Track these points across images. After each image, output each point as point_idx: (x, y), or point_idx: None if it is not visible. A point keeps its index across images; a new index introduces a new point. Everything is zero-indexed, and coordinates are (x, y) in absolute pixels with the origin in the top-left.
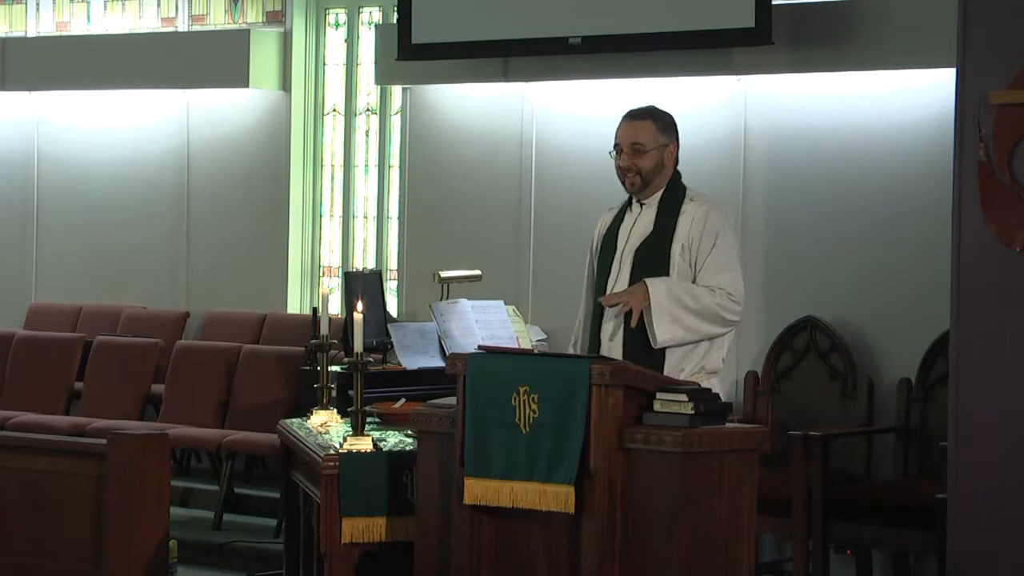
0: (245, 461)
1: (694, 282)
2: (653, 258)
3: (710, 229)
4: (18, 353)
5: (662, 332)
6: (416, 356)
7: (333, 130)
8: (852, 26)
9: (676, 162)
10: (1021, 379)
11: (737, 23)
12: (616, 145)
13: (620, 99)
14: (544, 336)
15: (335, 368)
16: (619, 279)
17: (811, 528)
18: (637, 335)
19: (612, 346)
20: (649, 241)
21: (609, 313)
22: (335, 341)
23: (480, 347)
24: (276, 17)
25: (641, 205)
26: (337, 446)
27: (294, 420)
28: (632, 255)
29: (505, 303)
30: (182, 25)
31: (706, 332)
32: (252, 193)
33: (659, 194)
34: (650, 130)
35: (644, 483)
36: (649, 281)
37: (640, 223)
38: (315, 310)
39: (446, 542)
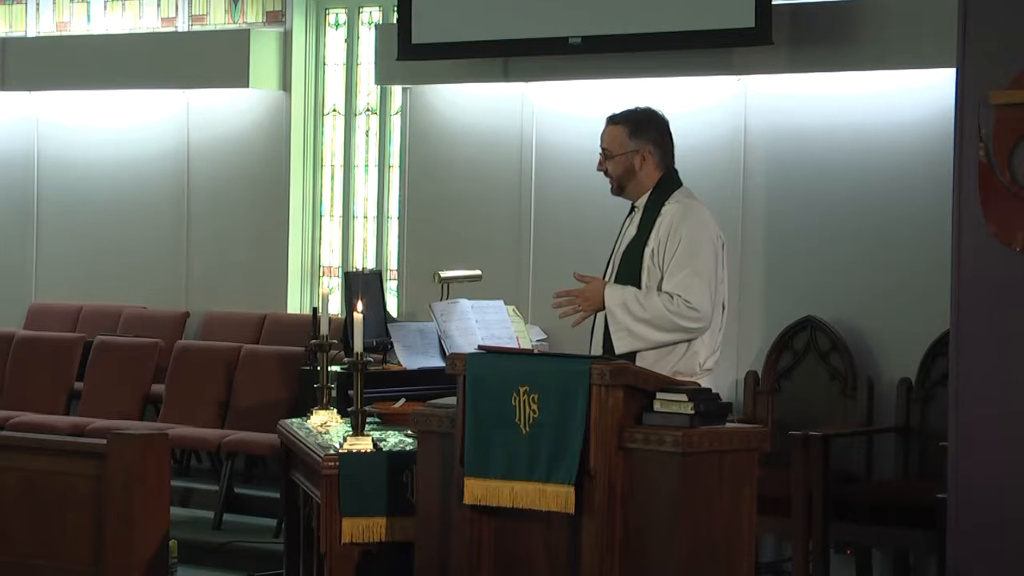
0: (245, 461)
1: (660, 285)
2: (632, 262)
3: (676, 230)
4: (18, 353)
5: (618, 345)
6: (416, 356)
7: (333, 130)
8: (852, 26)
9: (661, 165)
10: (1021, 379)
11: (737, 23)
12: None
13: (620, 99)
14: (544, 336)
15: (335, 368)
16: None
17: (811, 528)
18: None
19: (595, 342)
20: (631, 245)
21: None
22: (335, 341)
23: (480, 347)
24: (276, 17)
25: (635, 208)
26: (337, 446)
27: (294, 420)
28: (619, 258)
29: (505, 303)
30: (182, 25)
31: (663, 341)
32: (252, 193)
33: (646, 196)
34: (618, 135)
35: (644, 483)
36: (608, 288)
37: (631, 226)
38: (315, 310)
39: (446, 542)
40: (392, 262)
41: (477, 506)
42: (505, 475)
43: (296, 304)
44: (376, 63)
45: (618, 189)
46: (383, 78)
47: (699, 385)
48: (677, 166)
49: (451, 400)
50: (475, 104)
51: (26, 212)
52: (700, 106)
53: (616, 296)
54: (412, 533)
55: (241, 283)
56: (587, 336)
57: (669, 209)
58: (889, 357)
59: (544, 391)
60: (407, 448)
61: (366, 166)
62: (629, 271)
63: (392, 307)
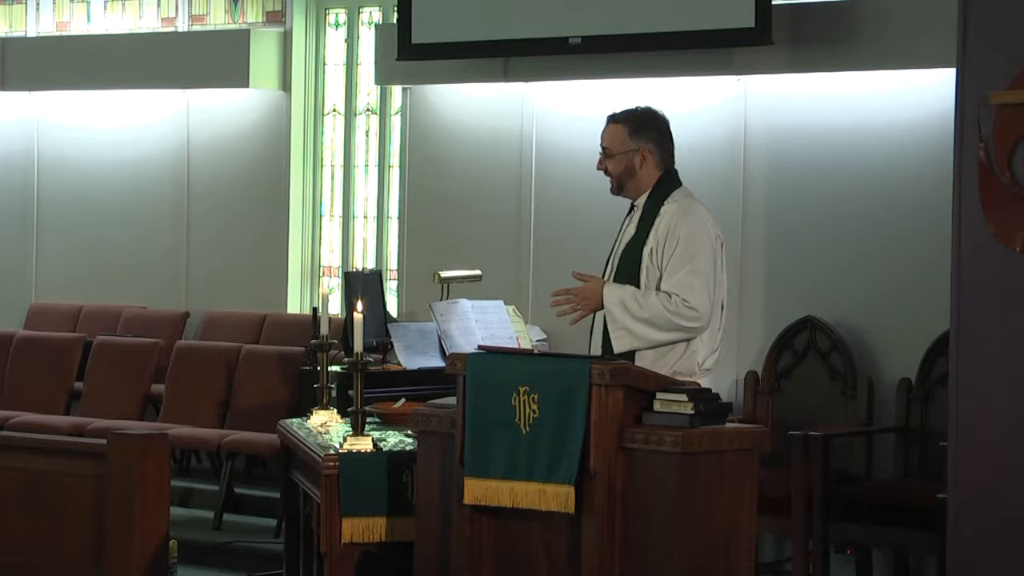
0: (245, 461)
1: (659, 285)
2: (630, 262)
3: (675, 230)
4: (18, 353)
5: (617, 344)
6: (416, 356)
7: (333, 130)
8: (852, 26)
9: (661, 165)
10: (1021, 379)
11: (737, 23)
12: None
13: (620, 99)
14: (544, 336)
15: (335, 368)
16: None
17: (811, 528)
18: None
19: (594, 342)
20: (630, 244)
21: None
22: (335, 341)
23: (480, 347)
24: (276, 17)
25: (634, 207)
26: (337, 446)
27: (294, 420)
28: (618, 257)
29: (505, 303)
30: (182, 25)
31: (662, 340)
32: (252, 193)
33: (646, 196)
34: (617, 134)
35: (644, 483)
36: (606, 287)
37: (630, 226)
38: (315, 310)
39: (446, 542)
40: (392, 262)
41: (477, 506)
42: (505, 475)
43: (296, 304)
44: (376, 63)
45: (618, 188)
46: (383, 78)
47: (699, 385)
48: (677, 166)
49: (451, 400)
50: (475, 104)
51: (26, 212)
52: (700, 106)
53: (615, 295)
54: (412, 533)
55: (241, 283)
56: (587, 336)
57: (668, 209)
58: (889, 357)
59: (544, 391)
60: (407, 448)
61: (366, 166)
62: (628, 270)
63: (392, 307)
